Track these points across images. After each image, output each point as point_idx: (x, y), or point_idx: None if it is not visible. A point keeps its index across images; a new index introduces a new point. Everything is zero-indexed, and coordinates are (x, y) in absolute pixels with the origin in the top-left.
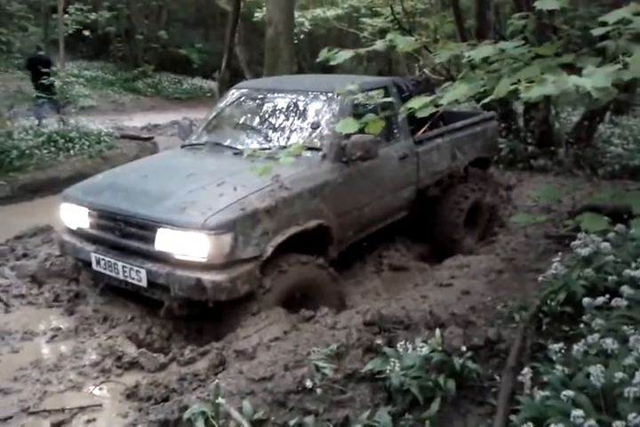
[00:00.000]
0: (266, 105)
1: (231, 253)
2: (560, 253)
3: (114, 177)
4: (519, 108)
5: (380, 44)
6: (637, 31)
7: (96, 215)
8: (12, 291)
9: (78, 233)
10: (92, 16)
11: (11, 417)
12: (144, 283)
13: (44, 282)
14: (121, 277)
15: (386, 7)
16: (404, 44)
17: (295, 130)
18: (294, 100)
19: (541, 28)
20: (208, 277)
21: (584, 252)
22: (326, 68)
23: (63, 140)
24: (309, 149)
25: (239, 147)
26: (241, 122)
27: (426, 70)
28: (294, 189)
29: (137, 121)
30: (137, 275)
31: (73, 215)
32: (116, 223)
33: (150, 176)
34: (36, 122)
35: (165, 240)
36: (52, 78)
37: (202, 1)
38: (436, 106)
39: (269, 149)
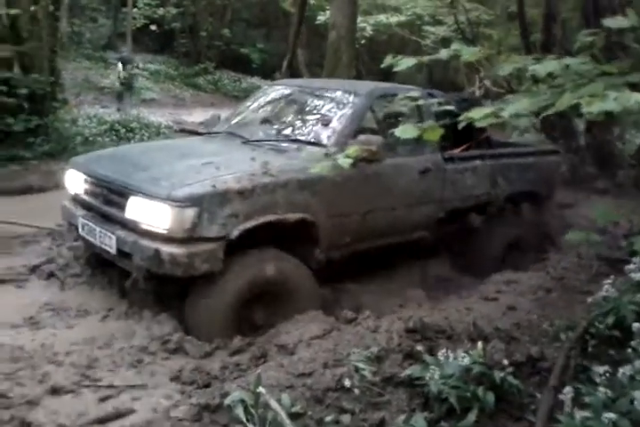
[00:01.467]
0: (288, 102)
1: (193, 229)
2: (612, 276)
3: (120, 150)
4: (580, 126)
5: (444, 53)
6: None
7: (89, 182)
8: (69, 270)
9: (75, 199)
10: (160, 11)
11: (62, 388)
12: (114, 250)
13: (98, 264)
14: (97, 243)
15: (449, 16)
16: (469, 54)
17: (305, 125)
18: (312, 99)
19: (610, 46)
20: (166, 249)
21: (638, 276)
22: (385, 75)
23: (124, 130)
24: (314, 144)
25: (247, 136)
26: (259, 116)
27: (486, 82)
28: (280, 178)
29: (196, 116)
30: (109, 241)
31: (73, 181)
32: (102, 190)
33: (150, 152)
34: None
35: (135, 208)
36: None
37: (266, 1)
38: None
39: (272, 140)
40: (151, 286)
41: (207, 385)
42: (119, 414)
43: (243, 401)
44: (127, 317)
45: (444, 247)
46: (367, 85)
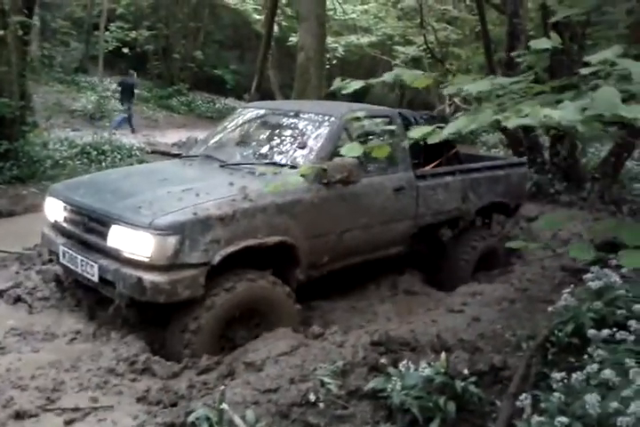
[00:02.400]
0: (262, 124)
1: (175, 256)
2: (572, 286)
3: (99, 176)
4: (546, 141)
5: (388, 76)
6: (623, 73)
7: (69, 209)
8: (37, 294)
9: (55, 226)
10: (132, 34)
11: (26, 413)
12: (96, 278)
13: (68, 287)
14: (79, 270)
15: (419, 36)
16: (412, 78)
17: (282, 148)
18: (288, 121)
19: (558, 64)
20: (148, 277)
21: (595, 285)
22: (357, 95)
23: (96, 153)
24: (291, 167)
25: (224, 159)
26: (235, 138)
27: (456, 100)
28: (259, 202)
29: (169, 137)
30: (91, 269)
31: (53, 209)
32: (82, 217)
33: (128, 178)
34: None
35: (116, 236)
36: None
37: (239, 23)
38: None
39: (250, 163)
40: (133, 313)
41: (174, 404)
42: None
43: (208, 419)
44: (95, 338)
45: (416, 262)
46: (340, 107)
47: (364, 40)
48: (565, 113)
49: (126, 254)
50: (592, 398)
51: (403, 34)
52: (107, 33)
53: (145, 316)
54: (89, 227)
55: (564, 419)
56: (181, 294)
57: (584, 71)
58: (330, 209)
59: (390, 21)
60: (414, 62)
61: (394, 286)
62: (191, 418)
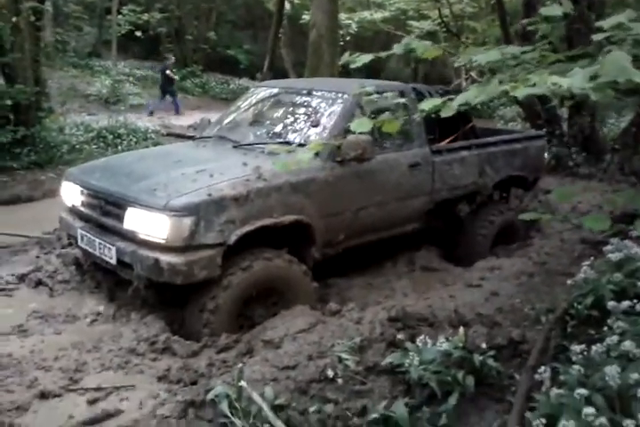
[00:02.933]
0: (275, 103)
1: (191, 237)
2: (592, 258)
3: (113, 160)
4: (564, 112)
5: (398, 48)
6: (637, 38)
7: (86, 193)
8: (57, 277)
9: (73, 210)
10: (144, 17)
11: (50, 393)
12: (114, 260)
13: (87, 270)
14: (97, 253)
15: (434, 10)
16: (423, 49)
17: (296, 127)
18: (301, 99)
19: (576, 34)
20: (165, 259)
21: (615, 257)
22: (372, 71)
23: (112, 137)
24: (304, 146)
25: (238, 140)
26: (249, 118)
27: (473, 74)
28: (273, 181)
29: (183, 119)
30: (109, 252)
31: (70, 193)
32: (99, 201)
33: (143, 161)
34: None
35: (133, 219)
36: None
37: (251, 3)
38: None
39: (263, 143)
40: (152, 294)
41: (194, 383)
42: (107, 416)
43: (227, 396)
44: (115, 320)
45: (433, 238)
46: (353, 84)
47: (378, 16)
48: (574, 80)
49: (143, 236)
50: (612, 370)
51: (417, 8)
52: (119, 16)
53: (164, 297)
54: (105, 210)
55: (583, 391)
56: (198, 274)
57: (596, 37)
58: (345, 187)
59: None
60: (430, 37)
61: (411, 262)
62: (210, 396)
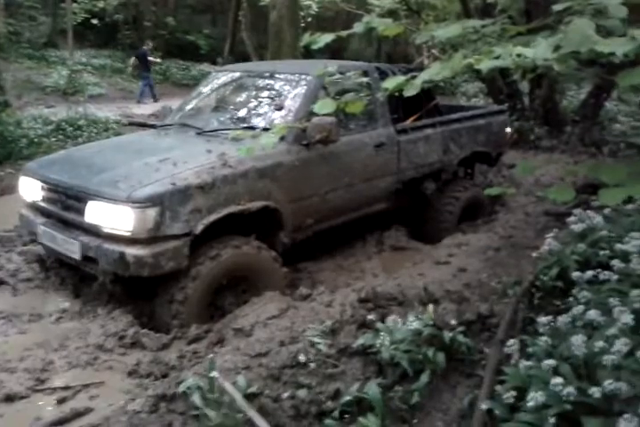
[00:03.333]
0: (237, 87)
1: (156, 228)
2: (556, 230)
3: (73, 152)
4: (525, 87)
5: (358, 27)
6: (597, 7)
7: (46, 188)
8: (20, 275)
9: (33, 206)
10: (100, 4)
11: (16, 395)
12: (78, 256)
13: (51, 266)
14: (61, 249)
15: None
16: (384, 26)
17: (260, 111)
18: (264, 83)
19: (535, 7)
20: (131, 252)
21: (578, 227)
22: (334, 51)
23: (71, 128)
24: (269, 130)
25: (201, 127)
26: (211, 104)
27: (434, 51)
28: (238, 168)
29: (145, 108)
30: (72, 247)
31: (29, 189)
32: (59, 195)
33: (103, 152)
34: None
35: (95, 212)
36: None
37: None
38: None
39: (227, 129)
40: (119, 288)
41: (165, 376)
42: (77, 415)
43: (199, 387)
44: (81, 316)
45: (401, 217)
46: (317, 65)
47: None
48: (538, 51)
49: (106, 230)
50: (578, 339)
51: None
52: (74, 4)
53: (131, 290)
54: (67, 204)
55: (551, 361)
56: (165, 266)
57: (557, 7)
58: (311, 170)
59: None
60: (391, 15)
61: (380, 242)
62: (182, 388)
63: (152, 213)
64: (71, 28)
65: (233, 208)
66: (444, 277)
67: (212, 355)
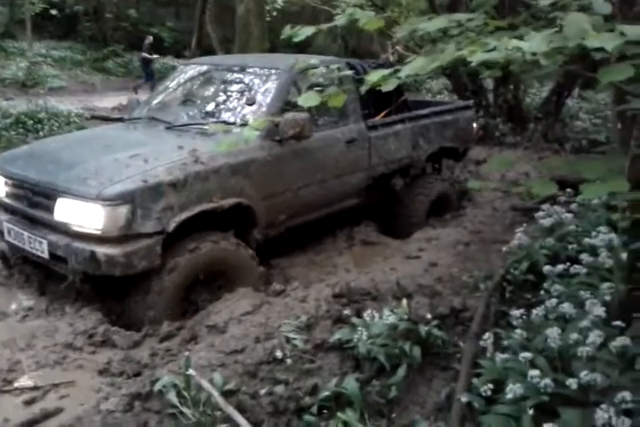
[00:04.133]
0: (207, 81)
1: (127, 227)
2: (525, 225)
3: (38, 146)
4: (490, 84)
5: (341, 20)
6: (582, 3)
7: (10, 184)
8: None
9: None
10: None
11: None
12: (46, 255)
13: (15, 264)
14: (27, 247)
15: None
16: (367, 19)
17: (231, 106)
18: (234, 77)
19: (510, 2)
20: (102, 250)
21: (547, 222)
22: (300, 47)
23: (32, 122)
24: (241, 125)
25: (171, 121)
26: (180, 98)
27: (398, 47)
28: (210, 164)
29: (107, 101)
30: (40, 246)
31: None
32: (25, 192)
33: (70, 146)
34: None
35: (64, 210)
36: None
37: None
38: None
39: (198, 124)
40: (88, 287)
41: (137, 374)
42: (46, 415)
43: (175, 386)
44: (48, 314)
45: (371, 212)
46: (287, 59)
47: None
48: (533, 44)
49: (76, 228)
50: (553, 332)
51: None
52: None
53: (100, 288)
54: (33, 201)
55: (527, 354)
56: (137, 265)
57: (544, 2)
58: (284, 166)
59: None
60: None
61: (350, 237)
62: (157, 386)
63: (123, 210)
64: (30, 18)
65: (205, 206)
66: (415, 271)
67: (187, 353)
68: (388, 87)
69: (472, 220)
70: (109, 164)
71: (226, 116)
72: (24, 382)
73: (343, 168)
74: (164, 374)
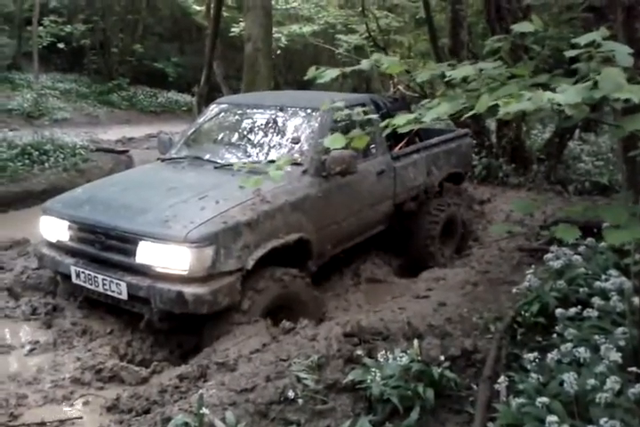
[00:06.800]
0: (246, 120)
1: (213, 266)
2: (533, 266)
3: (94, 190)
4: (492, 125)
5: (365, 64)
6: (606, 55)
7: (76, 228)
8: None
9: (58, 246)
10: (67, 29)
11: None
12: (124, 296)
13: (21, 295)
14: (101, 289)
15: (361, 24)
16: (389, 64)
17: (275, 145)
18: (274, 116)
19: (514, 49)
20: (189, 290)
21: (556, 264)
22: (301, 84)
23: (37, 153)
24: (291, 164)
25: (219, 161)
26: (221, 137)
27: (400, 87)
28: (275, 203)
29: (111, 134)
30: (117, 288)
31: (52, 228)
32: (97, 236)
33: (130, 189)
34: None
35: (146, 253)
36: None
37: (178, 15)
38: (419, 122)
39: (253, 163)
40: (166, 325)
41: (147, 411)
42: None
43: (187, 424)
44: (55, 348)
45: (383, 243)
46: (322, 97)
47: (307, 29)
48: (568, 96)
49: (159, 269)
50: (570, 377)
51: (345, 22)
52: (40, 28)
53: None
54: (107, 245)
55: (544, 399)
56: (222, 302)
57: (570, 53)
58: (331, 200)
59: (332, 10)
60: (357, 51)
61: (356, 274)
62: (171, 425)
63: (209, 251)
64: (37, 51)
65: (275, 242)
66: (425, 311)
67: (200, 391)
68: (404, 130)
69: (479, 259)
70: (182, 206)
71: (273, 155)
72: (30, 417)
73: (375, 198)
74: (175, 411)
